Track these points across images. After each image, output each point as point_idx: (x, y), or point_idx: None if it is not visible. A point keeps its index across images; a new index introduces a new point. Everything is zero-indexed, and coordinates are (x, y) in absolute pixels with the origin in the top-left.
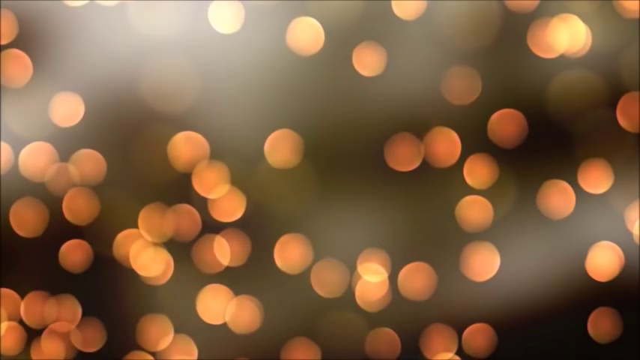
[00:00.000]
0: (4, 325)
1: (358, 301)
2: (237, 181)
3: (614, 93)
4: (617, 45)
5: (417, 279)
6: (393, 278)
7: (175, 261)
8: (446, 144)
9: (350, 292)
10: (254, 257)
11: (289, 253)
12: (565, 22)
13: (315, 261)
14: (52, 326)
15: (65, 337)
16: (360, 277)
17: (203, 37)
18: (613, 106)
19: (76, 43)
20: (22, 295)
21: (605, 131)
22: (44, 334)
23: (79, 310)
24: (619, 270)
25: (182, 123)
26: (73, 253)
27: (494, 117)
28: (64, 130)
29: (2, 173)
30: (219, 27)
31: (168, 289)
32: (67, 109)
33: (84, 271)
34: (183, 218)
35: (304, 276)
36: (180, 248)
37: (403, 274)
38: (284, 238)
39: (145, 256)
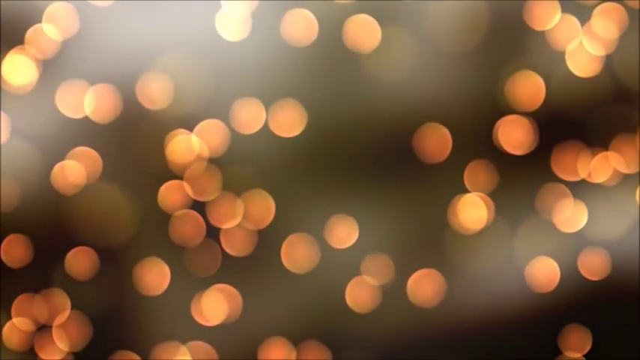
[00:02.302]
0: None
1: (361, 300)
2: (237, 183)
3: (614, 90)
4: (616, 42)
5: (420, 280)
6: (396, 278)
7: (177, 263)
8: (437, 140)
9: (353, 291)
10: (260, 257)
11: (296, 253)
12: (562, 20)
13: (320, 261)
14: (46, 325)
15: (61, 335)
16: (363, 276)
17: (204, 39)
18: (613, 102)
19: (80, 43)
20: (17, 295)
21: (606, 128)
22: (39, 334)
23: (69, 308)
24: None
25: (183, 125)
26: (78, 259)
27: (497, 121)
28: (64, 129)
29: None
30: (225, 32)
31: (171, 291)
32: (71, 108)
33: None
34: (186, 222)
35: (310, 276)
36: (182, 251)
37: (405, 273)
38: (290, 238)
39: (145, 266)
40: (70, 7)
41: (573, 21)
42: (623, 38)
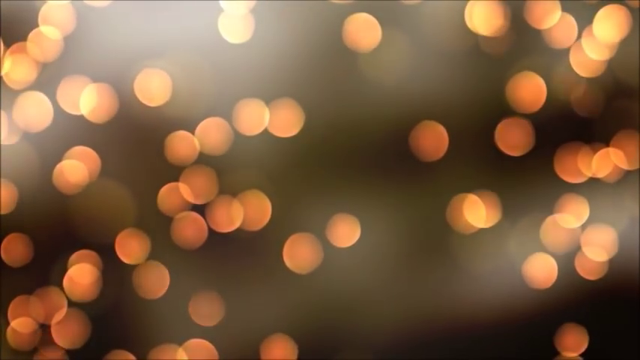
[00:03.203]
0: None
1: (362, 300)
2: (238, 183)
3: (615, 86)
4: (617, 42)
5: (419, 279)
6: (395, 277)
7: (177, 263)
8: (434, 137)
9: (354, 291)
10: (261, 257)
11: (297, 253)
12: (562, 20)
13: (322, 260)
14: (45, 324)
15: (59, 334)
16: (363, 275)
17: (204, 38)
18: (614, 99)
19: (80, 42)
20: (18, 294)
21: (607, 124)
22: (38, 332)
23: (66, 306)
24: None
25: (183, 125)
26: (78, 259)
27: (498, 121)
28: (64, 128)
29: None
30: (225, 33)
31: (173, 291)
32: (71, 107)
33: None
34: (186, 222)
35: (312, 276)
36: (183, 252)
37: (406, 272)
38: (292, 238)
39: (144, 267)
40: (70, 7)
41: (574, 21)
42: (624, 36)
